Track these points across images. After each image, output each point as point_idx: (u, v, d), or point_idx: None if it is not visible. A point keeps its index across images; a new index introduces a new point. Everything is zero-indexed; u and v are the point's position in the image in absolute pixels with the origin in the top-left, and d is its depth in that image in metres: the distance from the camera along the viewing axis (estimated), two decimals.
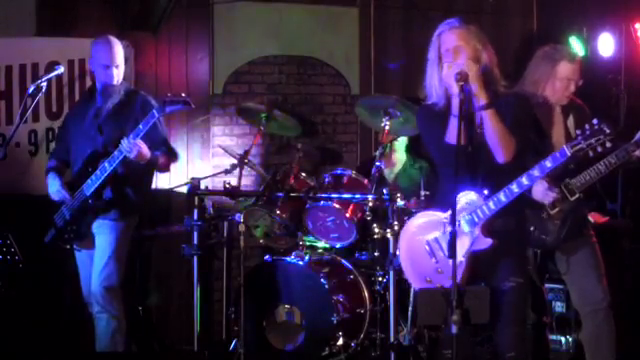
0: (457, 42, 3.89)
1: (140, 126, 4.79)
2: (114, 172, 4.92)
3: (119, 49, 5.09)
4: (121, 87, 5.11)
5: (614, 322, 4.53)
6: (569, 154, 3.74)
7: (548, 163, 3.79)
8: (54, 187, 5.08)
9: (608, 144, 3.68)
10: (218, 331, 5.93)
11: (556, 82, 4.53)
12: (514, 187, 3.81)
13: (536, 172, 3.81)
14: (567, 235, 4.45)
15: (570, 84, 4.55)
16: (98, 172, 4.91)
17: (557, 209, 4.42)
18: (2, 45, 6.02)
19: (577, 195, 4.37)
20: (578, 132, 3.71)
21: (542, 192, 4.33)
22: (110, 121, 5.05)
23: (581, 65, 4.61)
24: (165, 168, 5.22)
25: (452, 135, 3.84)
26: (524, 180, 3.81)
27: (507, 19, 6.86)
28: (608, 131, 3.65)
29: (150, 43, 6.35)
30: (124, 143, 4.79)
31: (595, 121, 3.68)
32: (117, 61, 5.06)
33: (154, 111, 4.76)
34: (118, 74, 5.06)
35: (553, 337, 5.21)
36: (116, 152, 4.85)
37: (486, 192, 3.85)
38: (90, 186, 4.94)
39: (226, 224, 5.69)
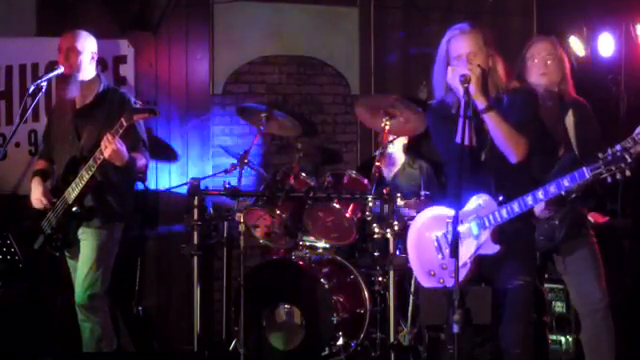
0: (470, 48, 3.92)
1: (116, 128, 4.72)
2: (94, 180, 4.87)
3: (73, 35, 5.04)
4: (95, 84, 5.07)
5: (613, 322, 4.52)
6: (588, 177, 3.72)
7: (566, 182, 3.78)
8: (36, 194, 5.05)
9: (628, 172, 3.65)
10: (218, 331, 5.93)
11: (531, 64, 4.51)
12: (529, 199, 3.83)
13: (553, 189, 3.80)
14: (566, 235, 4.44)
15: (545, 60, 4.50)
16: (77, 180, 4.88)
17: (555, 210, 4.40)
18: (2, 45, 6.03)
19: (574, 195, 4.34)
20: (599, 155, 3.68)
21: (539, 210, 4.28)
22: (88, 125, 5.00)
23: (557, 44, 4.59)
24: (143, 170, 5.16)
25: (465, 136, 3.85)
26: (540, 194, 3.82)
27: (507, 19, 6.84)
28: (630, 160, 3.64)
29: (150, 43, 6.35)
30: (103, 142, 4.72)
31: (618, 147, 3.67)
32: (65, 45, 5.00)
33: (122, 120, 4.70)
34: (67, 60, 4.98)
35: (553, 337, 5.20)
36: (91, 160, 4.79)
37: (501, 198, 3.86)
38: (71, 194, 4.91)
39: (226, 224, 5.69)
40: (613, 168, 3.65)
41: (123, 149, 4.77)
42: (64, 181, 4.96)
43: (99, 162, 4.77)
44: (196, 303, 5.17)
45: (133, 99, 5.08)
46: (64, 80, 5.03)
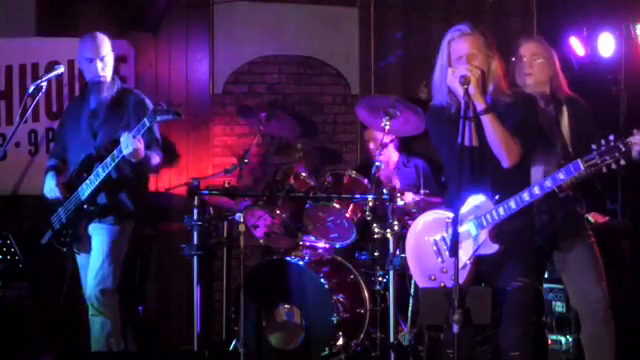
0: (470, 50, 3.92)
1: (138, 127, 4.74)
2: (108, 178, 4.89)
3: (104, 42, 5.04)
4: (112, 85, 5.08)
5: (613, 322, 4.51)
6: (582, 169, 3.70)
7: (561, 175, 3.76)
8: (49, 186, 5.07)
9: (622, 162, 3.62)
10: (218, 331, 5.93)
11: (518, 65, 4.51)
12: (525, 196, 3.81)
13: (548, 183, 3.79)
14: (560, 233, 4.41)
15: (531, 60, 4.50)
16: (92, 177, 4.90)
17: (544, 206, 4.38)
18: (2, 45, 6.04)
19: (565, 192, 4.31)
20: (593, 147, 3.66)
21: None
22: (104, 125, 5.01)
23: (544, 43, 4.58)
24: (157, 169, 5.18)
25: (465, 137, 3.85)
26: (536, 190, 3.80)
27: (507, 19, 6.85)
28: (624, 149, 3.61)
29: (150, 43, 6.35)
30: (123, 139, 4.73)
31: (611, 137, 3.64)
32: (101, 53, 5.00)
33: (145, 120, 4.72)
34: (104, 67, 5.01)
35: (553, 337, 5.20)
36: (109, 157, 4.81)
37: (497, 197, 3.85)
38: (85, 191, 4.93)
39: (226, 224, 5.69)
40: (608, 158, 3.63)
41: (141, 147, 4.79)
42: (77, 178, 4.98)
43: (117, 160, 4.79)
44: (196, 303, 5.17)
45: (147, 99, 5.08)
46: (98, 86, 5.02)
